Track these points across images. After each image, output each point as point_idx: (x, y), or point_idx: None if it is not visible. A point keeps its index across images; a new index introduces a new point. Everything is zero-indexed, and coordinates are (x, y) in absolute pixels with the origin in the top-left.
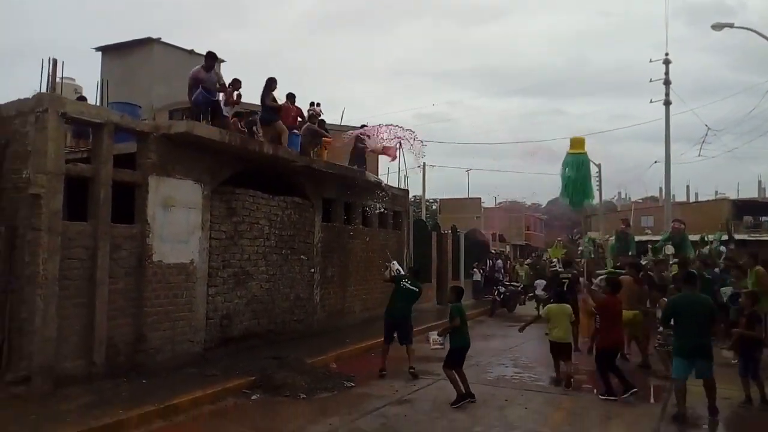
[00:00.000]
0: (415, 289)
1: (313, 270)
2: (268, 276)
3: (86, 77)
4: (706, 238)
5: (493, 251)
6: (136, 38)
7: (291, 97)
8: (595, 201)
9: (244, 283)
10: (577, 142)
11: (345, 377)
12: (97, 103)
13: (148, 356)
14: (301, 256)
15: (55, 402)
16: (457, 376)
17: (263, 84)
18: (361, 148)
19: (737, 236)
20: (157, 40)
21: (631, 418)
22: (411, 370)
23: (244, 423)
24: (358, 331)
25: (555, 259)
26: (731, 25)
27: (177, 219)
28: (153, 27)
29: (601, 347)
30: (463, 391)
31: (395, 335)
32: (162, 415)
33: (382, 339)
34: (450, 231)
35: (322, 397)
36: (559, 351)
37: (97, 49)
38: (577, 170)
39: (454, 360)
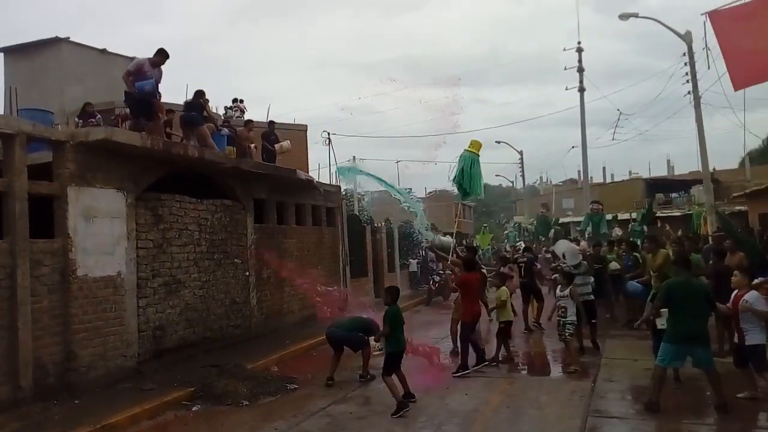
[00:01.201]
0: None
1: (248, 273)
2: (201, 282)
3: None
4: (621, 218)
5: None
6: (43, 38)
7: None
8: (479, 195)
9: (176, 291)
10: (475, 144)
11: (287, 380)
12: (5, 111)
13: (80, 375)
14: (235, 260)
15: None
16: (397, 383)
17: (192, 93)
18: (270, 150)
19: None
20: (66, 40)
21: (564, 396)
22: (365, 377)
23: None
24: (298, 330)
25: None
26: (636, 15)
27: (100, 230)
28: (60, 23)
29: (463, 321)
30: (402, 399)
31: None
32: None
33: (323, 337)
34: (383, 224)
35: (266, 402)
36: (506, 332)
37: (0, 50)
38: (471, 166)
39: (391, 365)
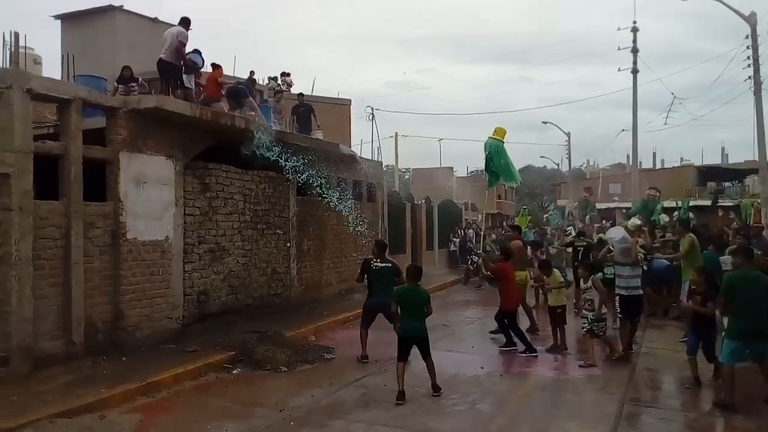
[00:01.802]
0: (387, 264)
1: (288, 244)
2: (244, 251)
3: (45, 46)
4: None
5: (465, 220)
6: (98, 6)
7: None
8: (516, 182)
9: (221, 258)
10: (500, 131)
11: (324, 349)
12: (62, 77)
13: (127, 334)
14: (277, 230)
15: (36, 382)
16: (403, 371)
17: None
18: (303, 111)
19: (701, 202)
20: (119, 8)
21: (600, 383)
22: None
23: (227, 397)
24: (335, 302)
25: (569, 228)
26: None
27: (150, 196)
28: None
29: (507, 309)
30: (402, 389)
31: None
32: (144, 392)
33: (360, 310)
34: (423, 202)
35: (303, 370)
36: (563, 317)
37: (57, 17)
38: (497, 155)
39: (399, 351)
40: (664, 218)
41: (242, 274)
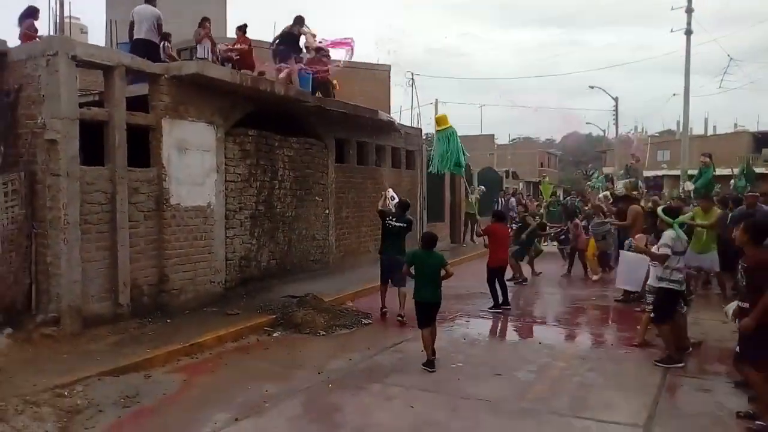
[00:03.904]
0: (401, 224)
1: (327, 211)
2: (283, 217)
3: (90, 14)
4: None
5: (506, 188)
6: None
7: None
8: (462, 167)
9: (261, 224)
10: (441, 119)
11: (362, 315)
12: (106, 44)
13: (172, 297)
14: (316, 197)
15: (85, 342)
16: (429, 339)
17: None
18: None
19: (757, 170)
20: None
21: (645, 353)
22: (399, 318)
23: (267, 358)
24: (373, 269)
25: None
26: None
27: (192, 162)
28: None
29: (489, 266)
30: (432, 357)
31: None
32: (188, 353)
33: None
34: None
35: (341, 334)
36: None
37: None
38: (448, 143)
39: (420, 318)
40: (689, 186)
41: (282, 240)
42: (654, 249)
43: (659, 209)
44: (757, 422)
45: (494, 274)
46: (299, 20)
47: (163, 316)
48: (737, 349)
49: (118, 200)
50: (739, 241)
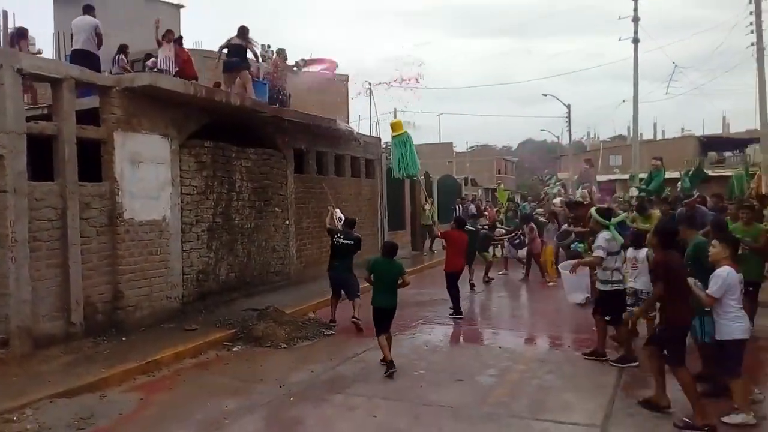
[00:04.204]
0: (349, 242)
1: (287, 222)
2: (242, 229)
3: (38, 27)
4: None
5: (465, 195)
6: None
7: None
8: (417, 169)
9: (219, 237)
10: (396, 125)
11: (324, 325)
12: (55, 56)
13: (127, 314)
14: (275, 208)
15: (36, 363)
16: (385, 343)
17: (237, 30)
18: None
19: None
20: None
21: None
22: (353, 320)
23: (227, 374)
24: None
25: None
26: None
27: (146, 175)
28: None
29: (445, 271)
30: (389, 359)
31: (342, 291)
32: (145, 371)
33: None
34: (423, 177)
35: (303, 346)
36: None
37: None
38: (404, 148)
39: (375, 324)
40: (633, 191)
41: (241, 253)
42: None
43: (592, 211)
44: (684, 419)
45: (452, 279)
46: (244, 32)
47: (118, 333)
48: (665, 352)
49: (69, 216)
50: (649, 243)
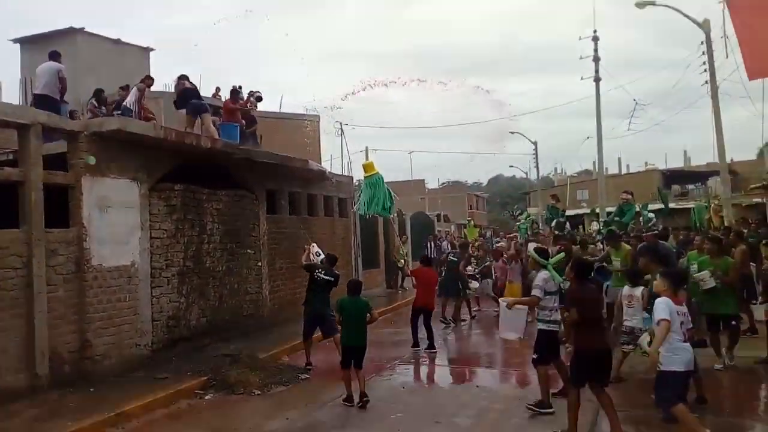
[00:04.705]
0: (329, 278)
1: (260, 263)
2: (214, 272)
3: (3, 70)
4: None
5: (438, 231)
6: (58, 29)
7: (234, 93)
8: (393, 208)
9: (190, 281)
10: (368, 167)
11: (299, 370)
12: (21, 101)
13: (95, 363)
14: (248, 250)
15: None
16: (349, 378)
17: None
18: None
19: (659, 206)
20: (81, 30)
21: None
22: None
23: (200, 425)
24: None
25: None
26: (653, 3)
27: (115, 220)
28: (73, 14)
29: (413, 306)
30: (351, 393)
31: (317, 330)
32: (114, 423)
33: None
34: (396, 215)
35: (278, 392)
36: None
37: (15, 41)
38: (375, 189)
39: (345, 359)
40: (594, 225)
41: (213, 296)
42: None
43: (531, 250)
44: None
45: (416, 314)
46: (184, 77)
47: (86, 384)
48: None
49: (35, 264)
50: (567, 276)
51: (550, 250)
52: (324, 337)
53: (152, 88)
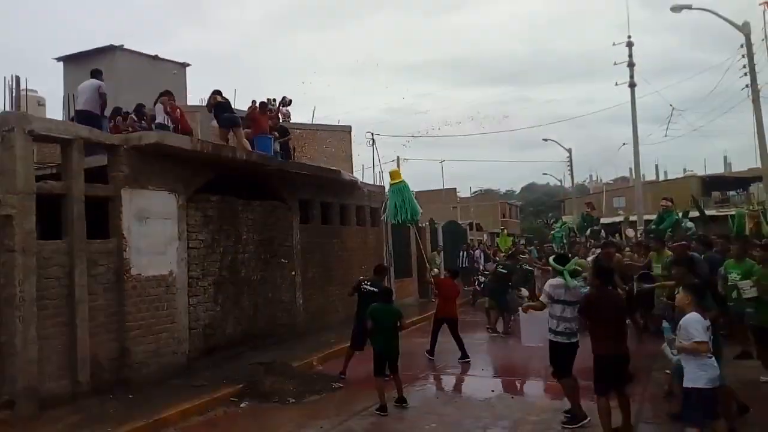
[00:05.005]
0: (374, 290)
1: (294, 272)
2: (249, 282)
3: (48, 87)
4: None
5: (470, 240)
6: (99, 46)
7: (263, 105)
8: (418, 216)
9: (225, 290)
10: (394, 174)
11: (332, 378)
12: (64, 117)
13: (134, 371)
14: (281, 260)
15: (41, 424)
16: (383, 386)
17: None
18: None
19: (708, 212)
20: (120, 47)
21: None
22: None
23: None
24: (342, 330)
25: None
26: (689, 7)
27: (153, 231)
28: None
29: (435, 316)
30: (385, 403)
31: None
32: (152, 430)
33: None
34: (428, 224)
35: (311, 400)
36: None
37: (59, 59)
38: (401, 196)
39: (377, 367)
40: (630, 232)
41: (248, 305)
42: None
43: (551, 258)
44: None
45: (437, 323)
46: (217, 92)
47: (125, 391)
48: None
49: (77, 274)
50: (591, 283)
51: (589, 259)
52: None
53: (189, 102)
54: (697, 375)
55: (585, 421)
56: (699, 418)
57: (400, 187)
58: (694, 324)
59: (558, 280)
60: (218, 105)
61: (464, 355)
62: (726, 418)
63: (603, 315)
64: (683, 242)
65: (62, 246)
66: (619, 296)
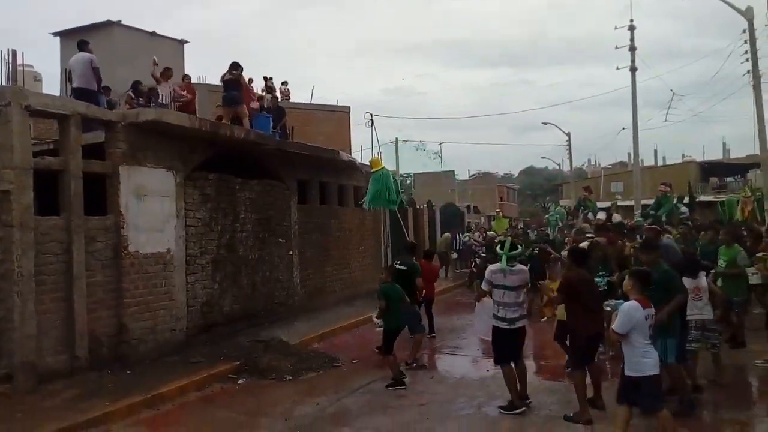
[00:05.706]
0: (402, 268)
1: (291, 252)
2: (246, 260)
3: (45, 63)
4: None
5: (468, 223)
6: (95, 22)
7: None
8: (396, 203)
9: (223, 268)
10: (375, 162)
11: (330, 357)
12: (61, 92)
13: (131, 347)
14: (279, 239)
15: (40, 398)
16: (396, 361)
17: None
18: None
19: (704, 198)
20: (117, 23)
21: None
22: (410, 364)
23: (233, 408)
24: (340, 309)
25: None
26: None
27: (151, 208)
28: (112, 9)
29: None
30: (399, 377)
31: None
32: (149, 405)
33: (369, 316)
34: (425, 206)
35: (309, 378)
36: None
37: (55, 34)
38: (382, 183)
39: (388, 344)
40: (616, 218)
41: (245, 284)
42: None
43: (497, 245)
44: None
45: (421, 304)
46: (235, 66)
47: (122, 367)
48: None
49: (75, 250)
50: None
51: (583, 245)
52: (410, 333)
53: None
54: (644, 363)
55: (519, 411)
56: (659, 403)
57: (378, 176)
58: (623, 310)
59: (497, 265)
60: (226, 82)
61: (431, 331)
62: (679, 394)
63: (583, 296)
64: (654, 226)
65: (60, 222)
66: (592, 278)
